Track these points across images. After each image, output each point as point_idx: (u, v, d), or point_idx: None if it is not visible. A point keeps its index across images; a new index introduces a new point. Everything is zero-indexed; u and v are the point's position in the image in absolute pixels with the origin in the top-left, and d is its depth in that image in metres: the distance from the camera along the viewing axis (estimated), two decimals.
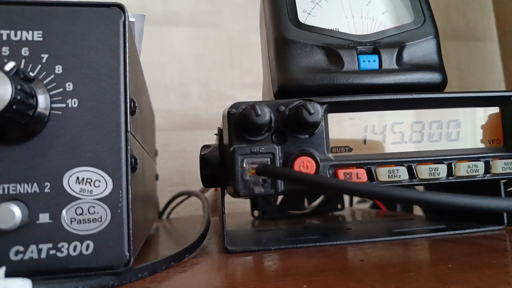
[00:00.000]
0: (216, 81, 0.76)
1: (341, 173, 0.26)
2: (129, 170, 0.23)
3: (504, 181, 0.34)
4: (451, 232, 0.32)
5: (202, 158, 0.31)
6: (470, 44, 0.86)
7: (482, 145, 0.30)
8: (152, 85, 0.74)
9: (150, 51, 0.73)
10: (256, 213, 0.54)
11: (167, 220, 0.62)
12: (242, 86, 0.76)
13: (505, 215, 0.33)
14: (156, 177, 0.52)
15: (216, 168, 0.30)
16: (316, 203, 0.56)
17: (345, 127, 0.28)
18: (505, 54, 0.77)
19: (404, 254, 0.27)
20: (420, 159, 0.27)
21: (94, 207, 0.22)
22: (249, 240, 0.35)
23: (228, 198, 0.72)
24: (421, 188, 0.39)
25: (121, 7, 0.24)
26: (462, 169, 0.28)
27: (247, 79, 0.76)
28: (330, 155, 0.27)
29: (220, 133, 0.30)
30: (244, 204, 0.65)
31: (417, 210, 0.58)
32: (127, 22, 0.24)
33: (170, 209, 0.64)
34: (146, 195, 0.33)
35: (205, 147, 0.32)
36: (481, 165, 0.28)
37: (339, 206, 0.56)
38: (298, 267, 0.25)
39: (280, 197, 0.55)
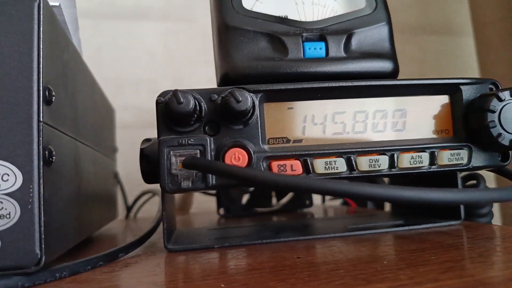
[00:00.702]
0: (189, 77, 0.74)
1: (275, 165, 0.25)
2: (41, 163, 0.21)
3: (461, 174, 0.33)
4: (406, 228, 0.31)
5: (142, 152, 0.30)
6: (449, 39, 0.84)
7: (433, 136, 0.28)
8: (122, 82, 0.72)
9: (120, 47, 0.72)
10: (222, 211, 0.53)
11: (134, 219, 0.60)
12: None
13: (462, 209, 0.31)
14: (115, 175, 0.50)
15: (156, 163, 0.29)
16: (284, 200, 0.55)
17: (283, 117, 0.26)
18: (480, 48, 0.76)
19: (346, 251, 0.25)
20: (360, 150, 0.26)
21: (1, 202, 0.21)
22: (198, 239, 0.34)
23: (201, 196, 0.71)
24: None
25: None
26: (405, 161, 0.26)
27: None
28: (266, 147, 0.26)
29: None
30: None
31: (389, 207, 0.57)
32: (42, 5, 0.22)
33: (137, 208, 0.62)
34: (85, 192, 0.32)
35: (146, 141, 0.31)
36: (425, 156, 0.26)
37: (307, 202, 0.54)
38: (228, 266, 0.23)
39: (247, 195, 0.53)
